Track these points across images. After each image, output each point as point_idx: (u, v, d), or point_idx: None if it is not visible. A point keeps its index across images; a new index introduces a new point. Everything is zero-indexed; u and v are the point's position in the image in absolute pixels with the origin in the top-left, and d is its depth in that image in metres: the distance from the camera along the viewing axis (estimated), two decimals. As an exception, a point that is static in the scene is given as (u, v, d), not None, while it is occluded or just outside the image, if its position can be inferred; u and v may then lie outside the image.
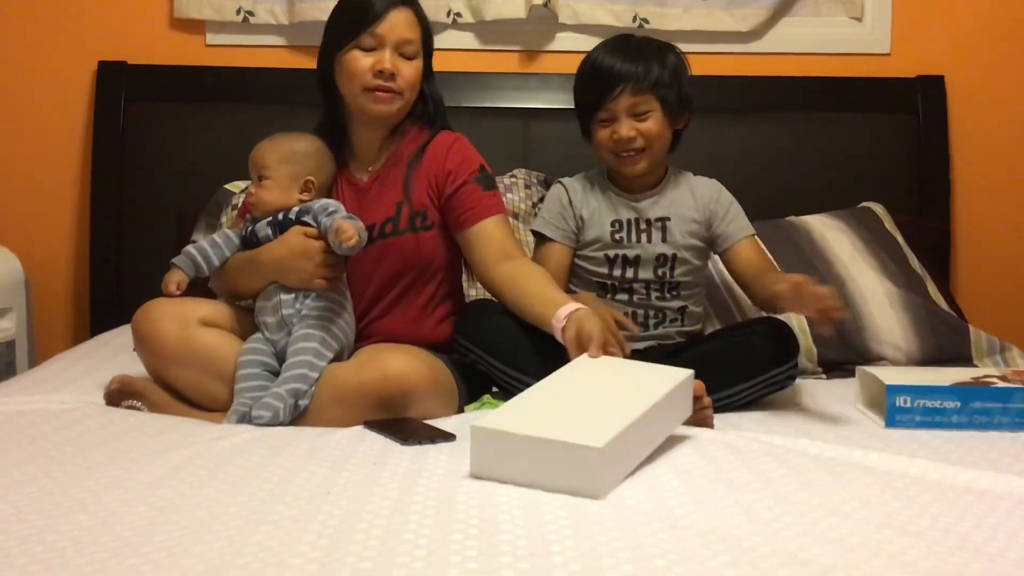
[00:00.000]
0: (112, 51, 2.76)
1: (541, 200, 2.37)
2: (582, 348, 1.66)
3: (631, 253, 1.97)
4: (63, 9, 2.78)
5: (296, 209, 1.87)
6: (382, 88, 1.88)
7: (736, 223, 2.02)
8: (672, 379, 1.56)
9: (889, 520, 1.23)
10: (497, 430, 1.36)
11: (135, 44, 2.77)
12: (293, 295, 1.82)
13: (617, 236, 1.98)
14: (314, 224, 1.83)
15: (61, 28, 2.78)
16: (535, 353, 1.78)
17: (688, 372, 1.61)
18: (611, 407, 1.45)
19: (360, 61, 1.88)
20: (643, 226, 1.98)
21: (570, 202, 2.02)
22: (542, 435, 1.33)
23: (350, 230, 1.72)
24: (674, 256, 1.97)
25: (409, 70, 1.91)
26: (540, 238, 2.05)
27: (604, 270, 1.99)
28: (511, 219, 2.29)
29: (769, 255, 2.10)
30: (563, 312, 1.72)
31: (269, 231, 1.86)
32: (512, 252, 1.90)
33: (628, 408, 1.43)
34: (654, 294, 1.99)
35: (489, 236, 1.90)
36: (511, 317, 1.83)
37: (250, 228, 1.89)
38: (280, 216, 1.87)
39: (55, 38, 2.78)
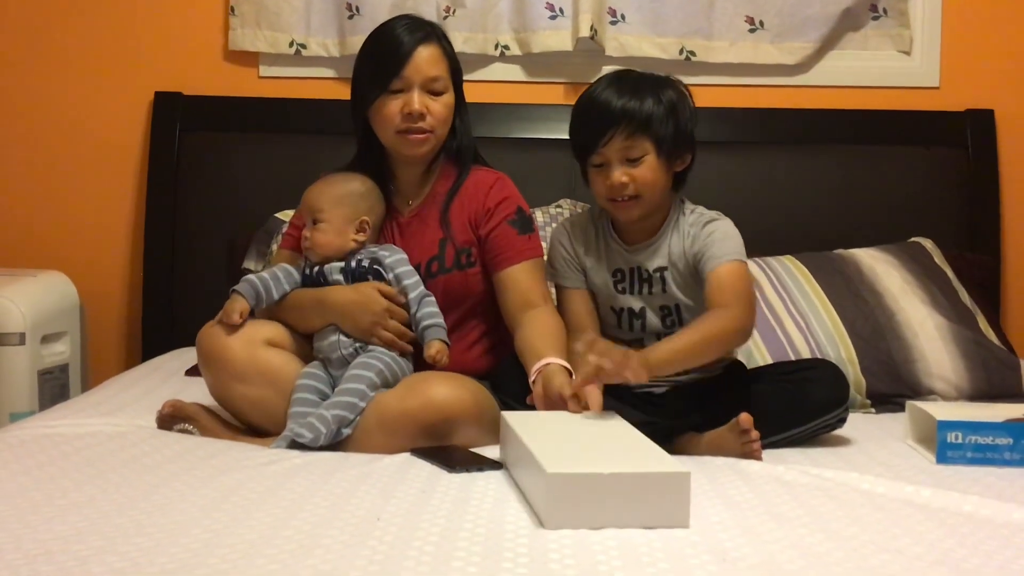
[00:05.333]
0: (168, 82, 2.83)
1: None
2: (550, 405, 1.68)
3: (636, 306, 1.91)
4: (121, 42, 2.85)
5: (366, 260, 1.89)
6: (413, 130, 1.90)
7: (708, 252, 1.84)
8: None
9: (942, 558, 1.22)
10: (577, 473, 1.30)
11: (190, 76, 2.84)
12: (350, 340, 1.85)
13: (620, 287, 1.92)
14: (388, 279, 1.87)
15: (119, 60, 2.85)
16: None
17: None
18: (626, 437, 1.49)
19: (389, 106, 1.89)
20: (644, 276, 1.91)
21: (573, 249, 1.95)
22: (625, 470, 1.31)
23: (444, 359, 1.80)
24: (677, 306, 1.90)
25: (438, 107, 1.91)
26: (558, 287, 1.99)
27: (613, 322, 1.95)
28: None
29: (735, 288, 1.81)
30: (535, 368, 1.73)
31: (340, 278, 1.88)
32: (534, 300, 1.90)
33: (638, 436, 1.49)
34: None
35: (514, 283, 1.91)
36: None
37: (316, 269, 1.90)
38: (353, 264, 1.89)
39: (113, 70, 2.85)
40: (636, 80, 1.88)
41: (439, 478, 1.51)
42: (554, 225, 2.46)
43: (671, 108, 1.84)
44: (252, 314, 1.88)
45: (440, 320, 1.86)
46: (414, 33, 1.91)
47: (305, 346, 1.90)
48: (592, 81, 2.82)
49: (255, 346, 1.83)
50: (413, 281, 1.88)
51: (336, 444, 1.73)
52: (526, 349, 1.82)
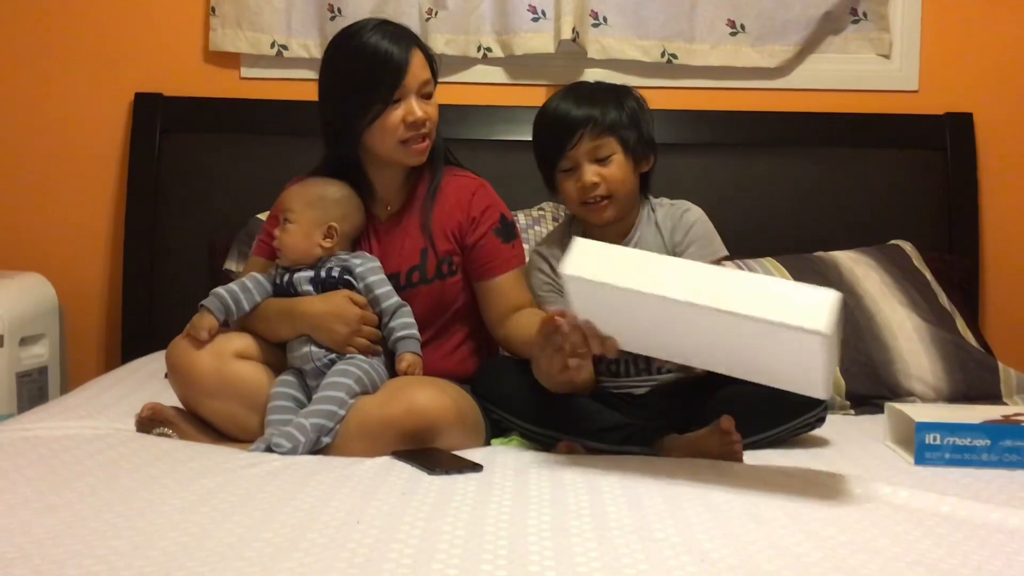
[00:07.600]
0: (149, 83, 2.82)
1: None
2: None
3: None
4: (101, 42, 2.84)
5: (337, 268, 1.87)
6: (415, 138, 1.88)
7: (692, 250, 1.88)
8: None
9: (920, 558, 1.22)
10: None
11: (171, 76, 2.83)
12: (324, 350, 1.83)
13: None
14: (359, 288, 1.86)
15: (99, 61, 2.84)
16: (549, 405, 1.76)
17: None
18: None
19: (391, 117, 1.86)
20: None
21: (552, 273, 1.94)
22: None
23: (417, 372, 1.81)
24: None
25: (433, 110, 1.91)
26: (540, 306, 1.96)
27: None
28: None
29: None
30: None
31: (310, 288, 1.86)
32: (522, 307, 1.91)
33: None
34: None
35: (501, 292, 1.92)
36: (524, 373, 1.78)
37: (286, 278, 1.88)
38: (323, 273, 1.86)
39: (93, 70, 2.84)
40: (593, 89, 1.94)
41: (420, 480, 1.51)
42: (536, 228, 2.47)
43: (632, 115, 1.90)
44: (226, 325, 1.86)
45: (414, 332, 1.85)
46: (400, 42, 1.87)
47: (278, 355, 1.88)
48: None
49: (224, 360, 1.81)
50: (386, 291, 1.86)
51: (316, 451, 1.72)
52: (530, 329, 1.75)
